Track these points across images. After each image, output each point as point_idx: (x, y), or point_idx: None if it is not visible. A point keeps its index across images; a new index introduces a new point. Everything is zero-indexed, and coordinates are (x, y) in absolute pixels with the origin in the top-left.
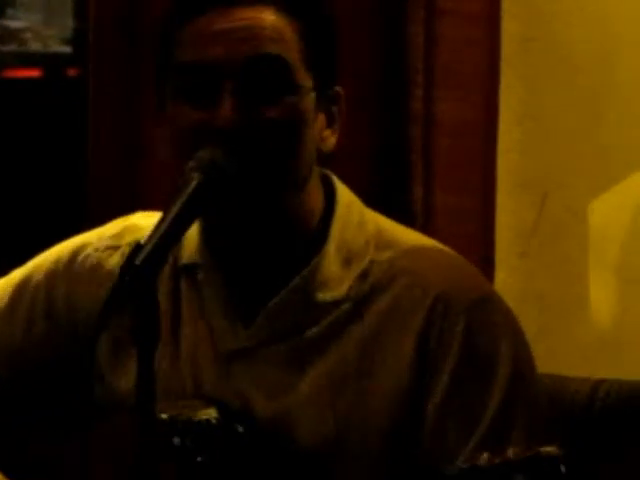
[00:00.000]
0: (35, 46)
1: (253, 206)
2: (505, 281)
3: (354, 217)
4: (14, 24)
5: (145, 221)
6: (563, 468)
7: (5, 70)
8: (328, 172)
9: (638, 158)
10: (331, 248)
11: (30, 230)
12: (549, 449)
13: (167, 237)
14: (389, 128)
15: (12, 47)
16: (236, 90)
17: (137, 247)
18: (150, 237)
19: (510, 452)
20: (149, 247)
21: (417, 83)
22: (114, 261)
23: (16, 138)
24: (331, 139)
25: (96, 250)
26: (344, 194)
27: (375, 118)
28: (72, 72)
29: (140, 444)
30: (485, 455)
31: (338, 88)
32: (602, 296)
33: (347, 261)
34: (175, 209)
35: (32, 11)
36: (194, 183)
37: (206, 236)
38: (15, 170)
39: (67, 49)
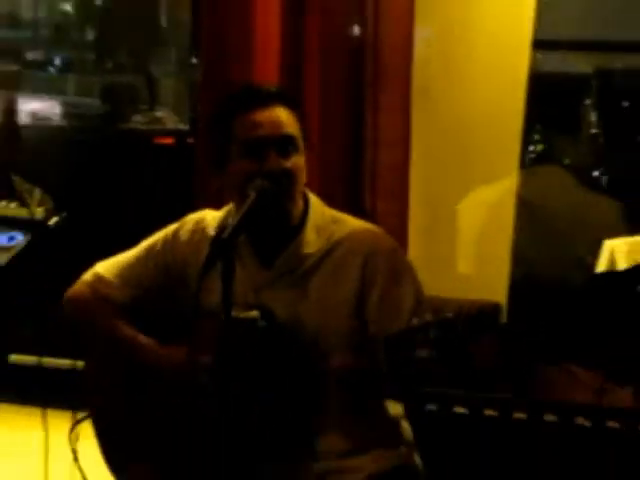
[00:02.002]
0: (169, 125)
1: (281, 208)
2: (417, 255)
3: (319, 211)
4: (158, 114)
5: (209, 216)
6: (460, 326)
7: (155, 138)
8: (305, 188)
9: (490, 173)
10: (309, 227)
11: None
12: (448, 315)
13: (239, 225)
14: (351, 165)
15: (158, 126)
16: (276, 151)
17: (222, 229)
18: (230, 224)
19: (428, 317)
20: (230, 229)
21: (368, 138)
22: (196, 238)
23: (156, 182)
24: (305, 173)
25: (187, 231)
26: (314, 199)
27: (342, 155)
28: (191, 140)
29: (226, 333)
30: (414, 320)
31: (308, 149)
32: (466, 258)
33: (318, 232)
34: (242, 211)
35: (167, 106)
36: (252, 198)
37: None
38: (151, 203)
39: (187, 127)
